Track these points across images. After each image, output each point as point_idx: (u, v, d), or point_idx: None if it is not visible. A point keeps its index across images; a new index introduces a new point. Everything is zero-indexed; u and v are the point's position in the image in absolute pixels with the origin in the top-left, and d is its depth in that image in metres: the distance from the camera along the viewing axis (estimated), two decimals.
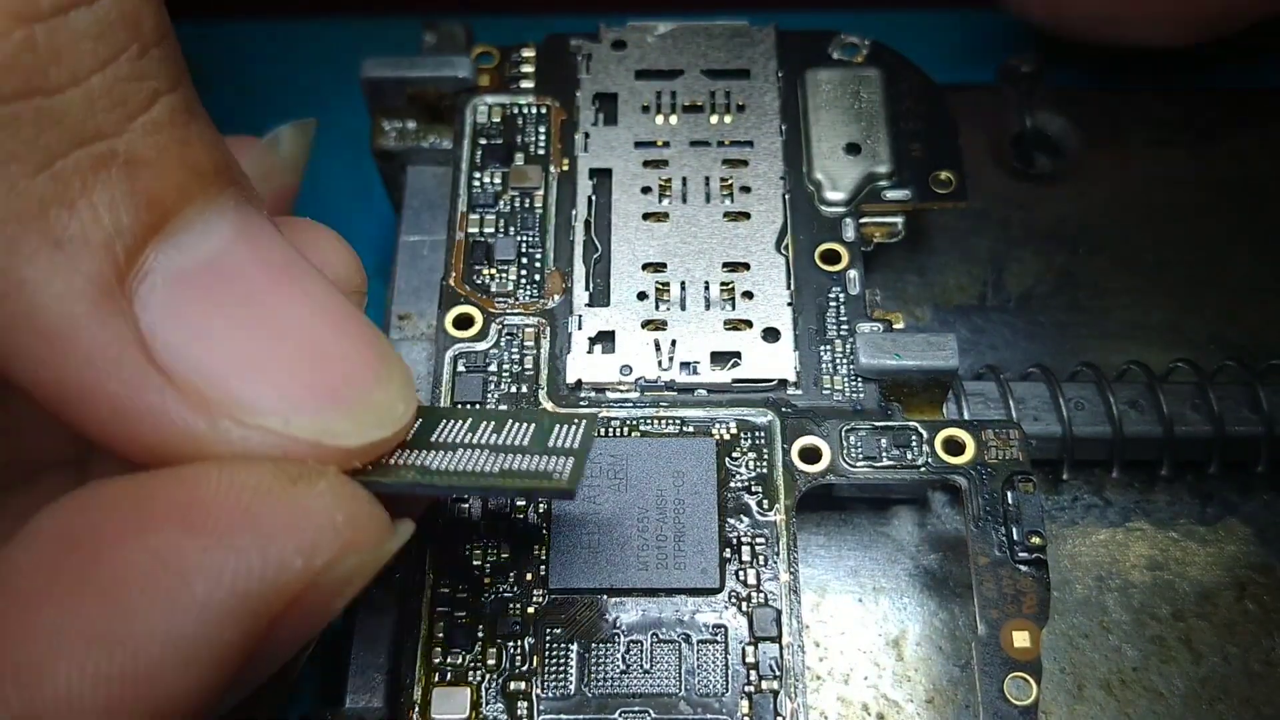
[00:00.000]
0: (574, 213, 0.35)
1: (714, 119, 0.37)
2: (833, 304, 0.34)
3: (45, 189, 0.20)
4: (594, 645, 0.29)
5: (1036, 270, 0.41)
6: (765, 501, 0.31)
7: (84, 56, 0.20)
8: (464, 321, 0.34)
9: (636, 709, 0.28)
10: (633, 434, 0.32)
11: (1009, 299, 0.40)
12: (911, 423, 0.32)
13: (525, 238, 0.35)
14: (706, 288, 0.34)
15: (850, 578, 0.35)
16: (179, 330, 0.21)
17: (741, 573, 0.30)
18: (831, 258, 0.35)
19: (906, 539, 0.35)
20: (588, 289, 0.34)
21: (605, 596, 0.30)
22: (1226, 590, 0.35)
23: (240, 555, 0.20)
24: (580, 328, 0.33)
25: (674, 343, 0.33)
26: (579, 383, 0.33)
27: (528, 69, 0.38)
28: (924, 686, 0.33)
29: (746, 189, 0.36)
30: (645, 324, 0.33)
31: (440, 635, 0.29)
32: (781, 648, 0.29)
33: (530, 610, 0.30)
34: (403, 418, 0.24)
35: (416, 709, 0.28)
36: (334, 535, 0.21)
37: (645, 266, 0.34)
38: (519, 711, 0.28)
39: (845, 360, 0.33)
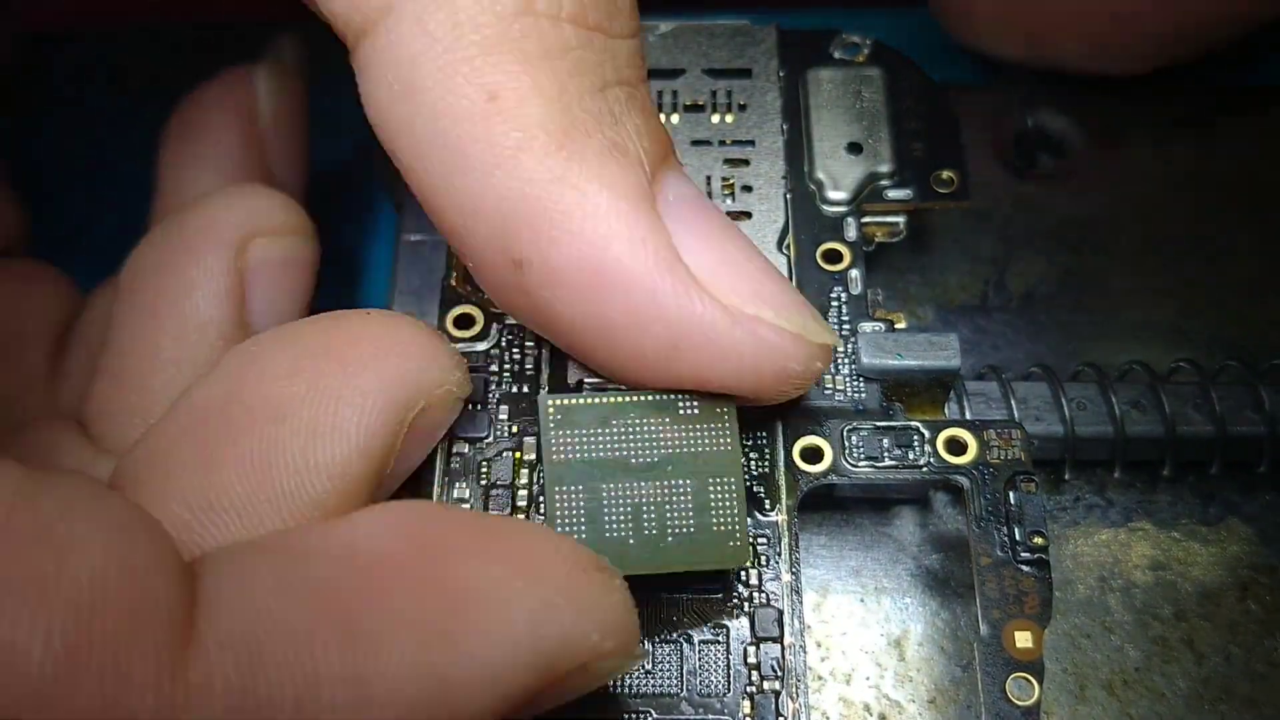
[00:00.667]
0: None
1: (715, 118, 0.37)
2: (834, 304, 0.34)
3: (601, 105, 0.25)
4: None
5: (1039, 270, 0.41)
6: (767, 502, 0.31)
7: (627, 21, 0.27)
8: (465, 321, 0.33)
9: (638, 709, 0.28)
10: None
11: (1011, 299, 0.40)
12: (913, 423, 0.32)
13: None
14: None
15: (852, 578, 0.35)
16: (685, 234, 0.26)
17: (743, 573, 0.30)
18: (833, 257, 0.35)
19: (908, 539, 0.35)
20: None
21: None
22: (1229, 591, 0.35)
23: (558, 610, 0.22)
24: None
25: None
26: (580, 383, 0.33)
27: None
28: (926, 687, 0.33)
29: (748, 188, 0.36)
30: None
31: None
32: (783, 648, 0.29)
33: None
34: (835, 339, 0.28)
35: None
36: (621, 628, 0.24)
37: None
38: None
39: (847, 360, 0.33)
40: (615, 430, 0.29)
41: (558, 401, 0.29)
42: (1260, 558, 0.35)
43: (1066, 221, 0.41)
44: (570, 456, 0.29)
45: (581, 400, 0.29)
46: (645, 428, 0.29)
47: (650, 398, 0.29)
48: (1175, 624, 0.34)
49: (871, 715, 0.33)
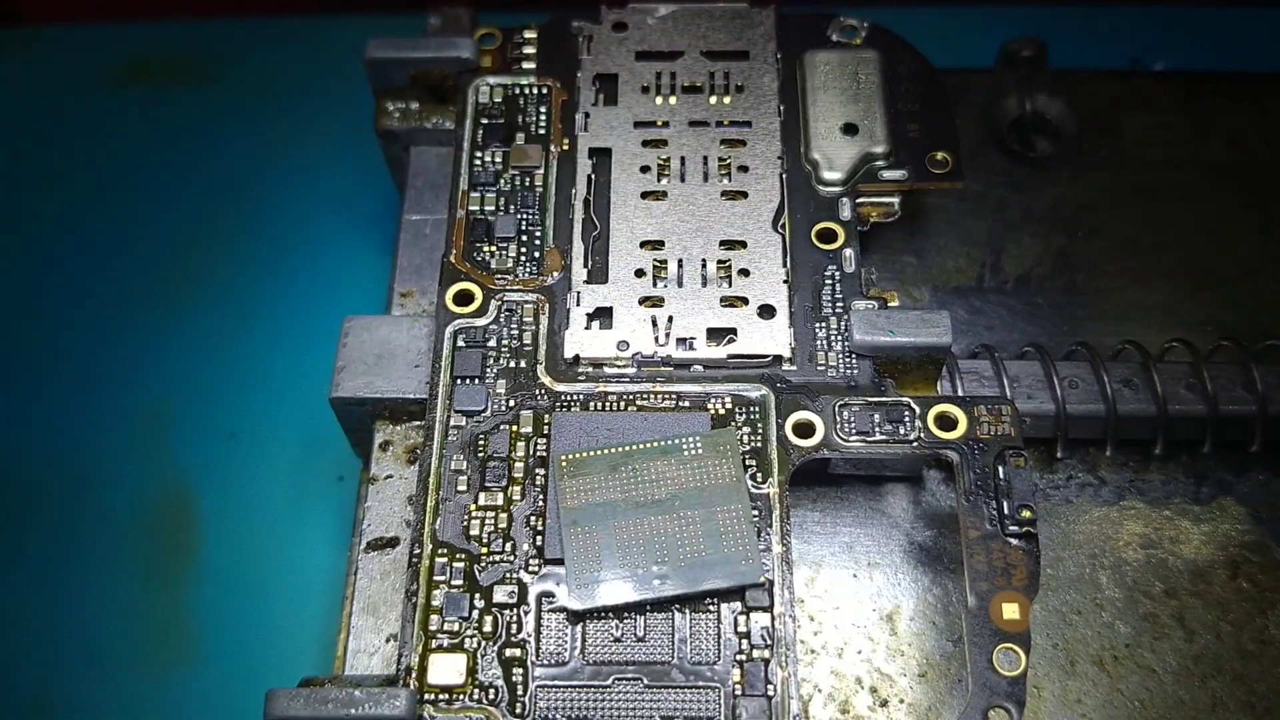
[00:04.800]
0: (573, 191, 0.36)
1: (713, 99, 0.38)
2: (828, 282, 0.34)
3: None
4: (586, 619, 0.30)
5: (1034, 252, 0.41)
6: (759, 475, 0.31)
7: None
8: (464, 298, 0.34)
9: (630, 675, 0.29)
10: (629, 409, 0.32)
11: (1006, 280, 0.40)
12: (904, 399, 0.32)
13: (525, 216, 0.35)
14: (703, 265, 0.34)
15: (845, 553, 0.35)
16: None
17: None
18: (828, 236, 0.35)
19: (901, 515, 0.36)
20: (586, 266, 0.35)
21: None
22: (1220, 569, 0.35)
23: None
24: (579, 304, 0.34)
25: (670, 319, 0.33)
26: (576, 358, 0.33)
27: (529, 50, 0.39)
28: (917, 661, 0.33)
29: (744, 168, 0.36)
30: (643, 300, 0.34)
31: (437, 603, 0.30)
32: (773, 617, 0.29)
33: (526, 580, 0.30)
34: None
35: (413, 674, 0.29)
36: None
37: (643, 244, 0.35)
38: (514, 678, 0.29)
39: (840, 337, 0.33)
40: (624, 475, 0.31)
41: (569, 455, 0.31)
42: (1251, 536, 0.36)
43: (1061, 204, 0.42)
44: (583, 501, 0.30)
45: (591, 452, 0.31)
46: (652, 470, 0.31)
47: (657, 444, 0.31)
48: (1166, 601, 0.35)
49: (863, 688, 0.33)
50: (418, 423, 0.34)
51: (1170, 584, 0.35)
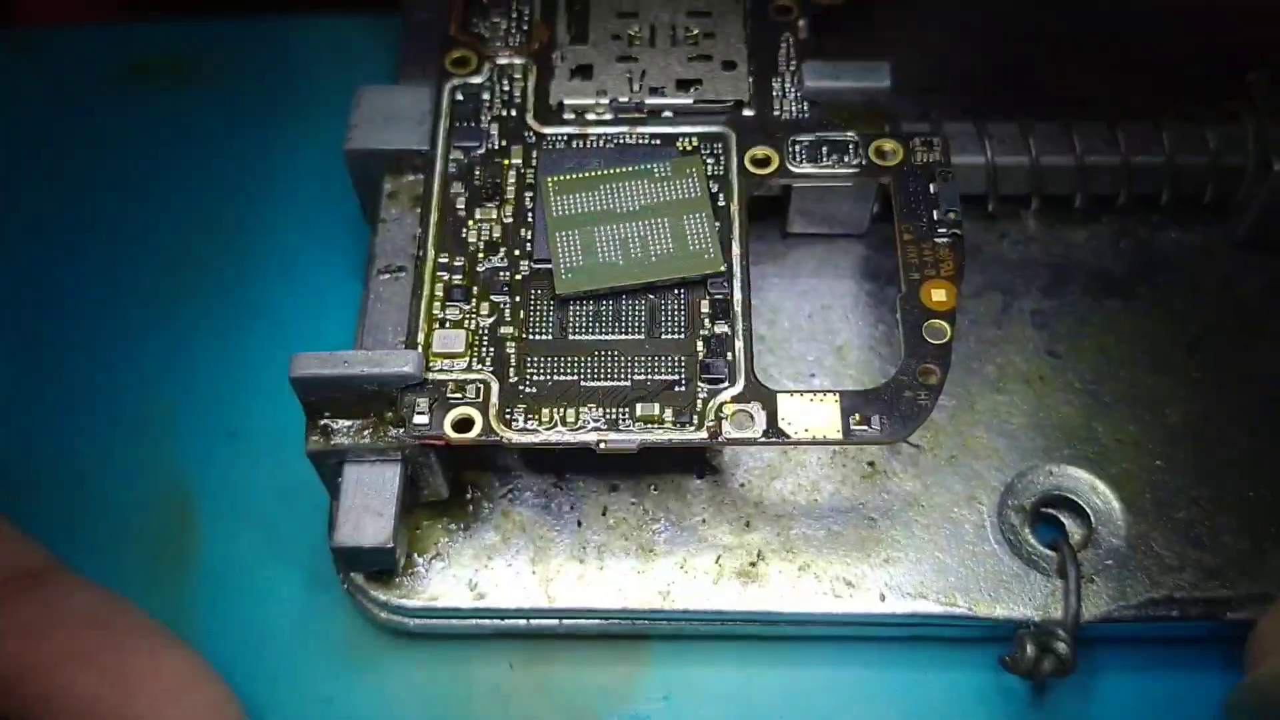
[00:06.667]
0: None
1: None
2: (783, 45, 0.39)
3: None
4: (569, 303, 0.34)
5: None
6: (722, 195, 0.36)
7: None
8: (461, 62, 0.39)
9: (608, 348, 0.33)
10: (607, 146, 0.37)
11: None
12: (849, 134, 0.37)
13: None
14: (673, 30, 0.39)
15: (801, 298, 0.39)
16: None
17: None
18: (784, 10, 0.40)
19: (851, 267, 0.40)
20: (569, 33, 0.39)
21: None
22: (1133, 282, 0.40)
23: None
24: (563, 60, 0.38)
25: (644, 72, 0.38)
26: (560, 104, 0.38)
27: None
28: (862, 383, 0.38)
29: None
30: (619, 59, 0.38)
31: (440, 295, 0.34)
32: (731, 301, 0.34)
33: (517, 278, 0.35)
34: None
35: (420, 347, 0.33)
36: None
37: (620, 15, 0.39)
38: (507, 349, 0.33)
39: (793, 88, 0.38)
40: (604, 191, 0.35)
41: (555, 177, 0.36)
42: (1165, 278, 0.40)
43: None
44: (568, 212, 0.35)
45: (575, 175, 0.36)
46: (628, 188, 0.35)
47: (630, 168, 0.36)
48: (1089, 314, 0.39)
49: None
50: (421, 175, 0.38)
51: (1086, 311, 0.39)
